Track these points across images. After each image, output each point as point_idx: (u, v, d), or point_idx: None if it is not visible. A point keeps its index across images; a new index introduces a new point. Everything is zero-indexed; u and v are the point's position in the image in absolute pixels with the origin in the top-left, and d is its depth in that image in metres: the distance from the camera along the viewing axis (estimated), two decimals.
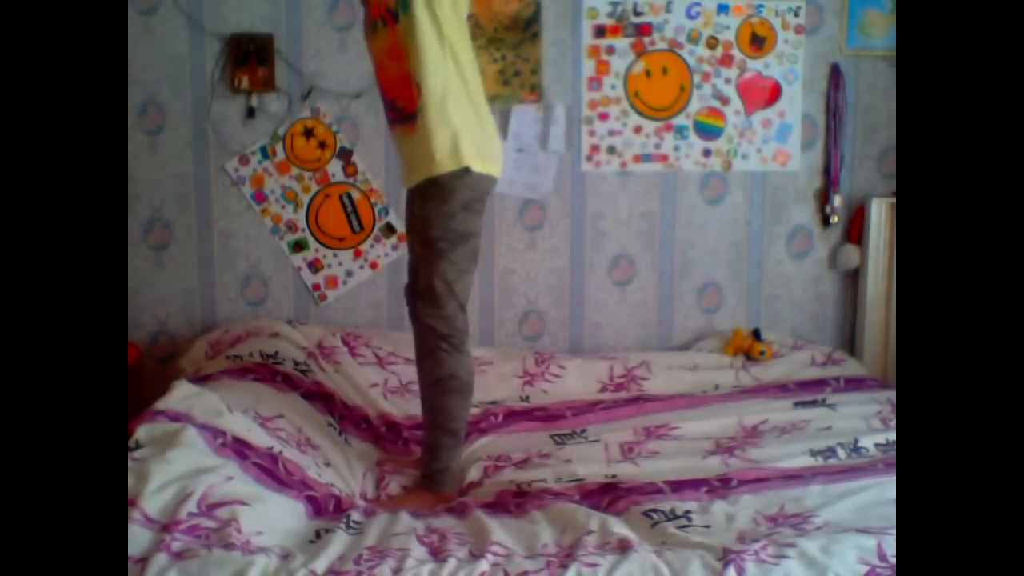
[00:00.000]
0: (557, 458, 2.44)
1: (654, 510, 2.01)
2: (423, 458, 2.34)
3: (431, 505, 2.21)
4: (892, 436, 2.49)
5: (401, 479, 2.38)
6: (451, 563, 1.73)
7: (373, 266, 3.29)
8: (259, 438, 2.15)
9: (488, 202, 2.36)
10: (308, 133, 3.23)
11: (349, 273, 3.29)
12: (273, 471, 2.06)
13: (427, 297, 2.27)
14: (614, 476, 2.29)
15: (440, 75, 2.17)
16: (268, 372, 2.68)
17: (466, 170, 2.19)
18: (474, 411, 2.81)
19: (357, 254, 3.28)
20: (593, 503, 2.11)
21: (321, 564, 1.73)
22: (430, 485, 2.29)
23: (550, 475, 2.30)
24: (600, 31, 3.25)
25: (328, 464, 2.30)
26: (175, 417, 2.05)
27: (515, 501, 2.14)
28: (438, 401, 2.29)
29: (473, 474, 2.39)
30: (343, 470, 2.33)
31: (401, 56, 2.18)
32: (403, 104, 2.23)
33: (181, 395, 2.17)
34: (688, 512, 2.01)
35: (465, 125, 2.20)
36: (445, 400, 2.28)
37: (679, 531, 1.90)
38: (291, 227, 3.26)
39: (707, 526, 1.94)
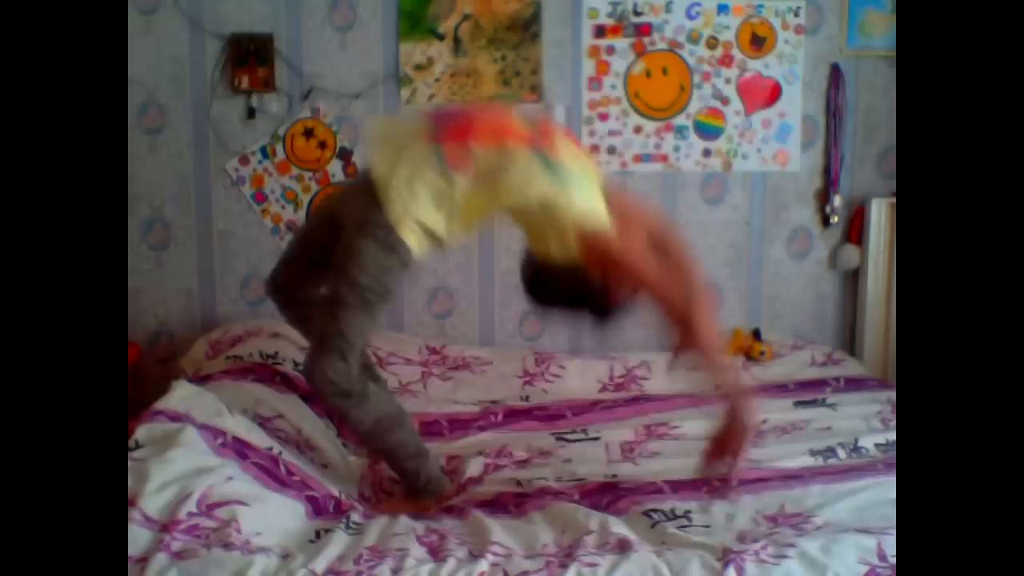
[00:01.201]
0: (557, 457, 2.44)
1: (654, 510, 2.01)
2: (403, 483, 2.28)
3: (429, 508, 2.21)
4: (892, 436, 2.49)
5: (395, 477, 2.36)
6: (451, 563, 1.73)
7: None
8: (259, 438, 2.15)
9: None
10: (308, 133, 3.23)
11: None
12: (273, 471, 2.05)
13: (334, 346, 2.11)
14: (614, 476, 2.29)
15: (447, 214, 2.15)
16: (268, 372, 2.68)
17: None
18: (474, 409, 2.82)
19: None
20: (593, 503, 2.10)
21: (321, 564, 1.73)
22: (423, 496, 2.25)
23: (550, 474, 2.30)
24: (600, 31, 3.25)
25: (326, 466, 2.30)
26: (175, 417, 2.05)
27: (515, 501, 2.14)
28: (383, 444, 2.22)
29: (474, 469, 2.38)
30: (341, 471, 2.33)
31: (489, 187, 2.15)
32: (456, 153, 2.15)
33: (181, 395, 2.17)
34: (688, 512, 2.00)
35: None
36: (388, 440, 2.21)
37: (679, 531, 1.90)
38: (291, 227, 3.26)
39: (707, 526, 1.94)
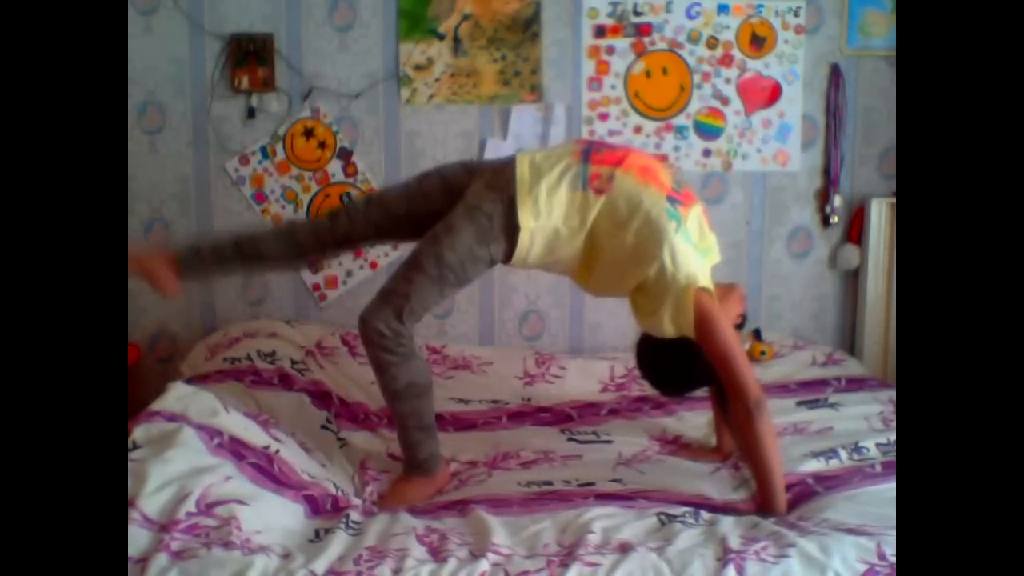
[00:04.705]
0: (565, 459, 2.43)
1: (661, 512, 2.00)
2: (404, 454, 2.31)
3: (429, 493, 2.22)
4: (893, 436, 2.49)
5: (385, 480, 2.34)
6: (451, 563, 1.73)
7: (373, 266, 3.29)
8: (256, 435, 2.14)
9: None
10: (308, 133, 3.23)
11: (349, 273, 3.29)
12: (269, 471, 2.05)
13: (397, 304, 2.18)
14: (620, 480, 2.29)
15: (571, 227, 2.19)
16: (263, 375, 2.68)
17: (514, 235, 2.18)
18: (479, 407, 2.81)
19: (357, 254, 3.28)
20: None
21: (321, 565, 1.73)
22: (421, 473, 2.27)
23: (558, 476, 2.30)
24: (600, 31, 3.25)
25: (323, 466, 2.30)
26: (171, 418, 2.05)
27: (521, 499, 2.13)
28: (404, 408, 2.25)
29: (481, 456, 2.39)
30: (337, 470, 2.32)
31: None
32: (600, 174, 2.19)
33: (176, 395, 2.16)
34: (690, 512, 2.00)
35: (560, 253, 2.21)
36: (409, 405, 2.24)
37: (681, 530, 1.90)
38: None
39: (709, 525, 1.94)
